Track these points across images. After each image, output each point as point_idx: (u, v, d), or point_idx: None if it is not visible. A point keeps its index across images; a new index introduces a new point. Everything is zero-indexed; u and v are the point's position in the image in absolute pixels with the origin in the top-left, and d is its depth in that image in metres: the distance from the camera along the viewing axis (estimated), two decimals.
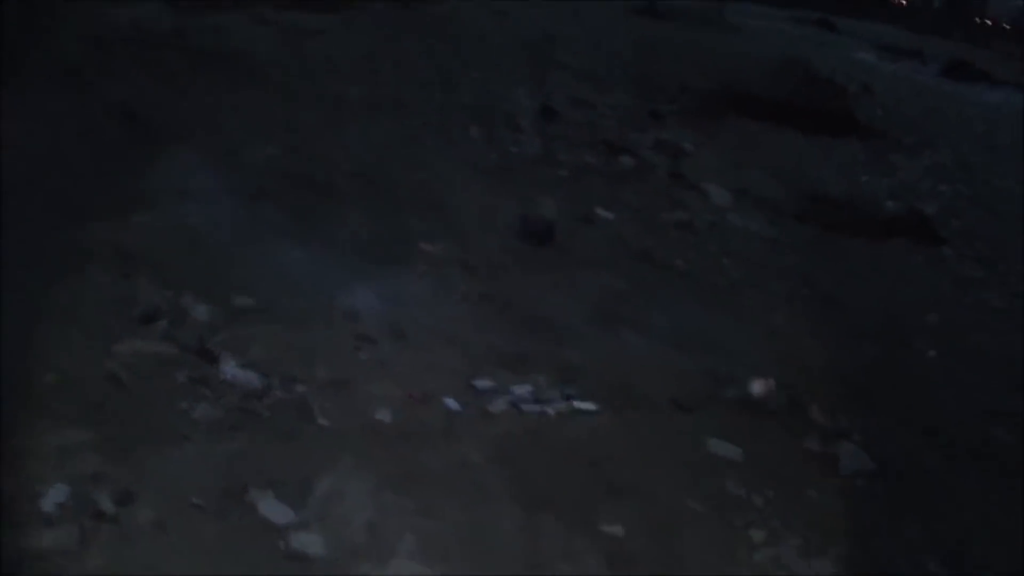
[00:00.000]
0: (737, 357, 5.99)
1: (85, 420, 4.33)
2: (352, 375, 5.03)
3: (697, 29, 17.40)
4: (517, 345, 5.64)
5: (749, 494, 4.67)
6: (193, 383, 4.72)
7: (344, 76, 10.48)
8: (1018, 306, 7.86)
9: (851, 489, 4.94)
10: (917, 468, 5.30)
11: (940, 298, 7.74)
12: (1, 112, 6.76)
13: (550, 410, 5.02)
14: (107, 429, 4.30)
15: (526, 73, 12.18)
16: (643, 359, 5.79)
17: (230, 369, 4.86)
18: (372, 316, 5.66)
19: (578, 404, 5.11)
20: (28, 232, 5.60)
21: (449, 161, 8.50)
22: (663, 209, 8.40)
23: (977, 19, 32.70)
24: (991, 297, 7.98)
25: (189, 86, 9.14)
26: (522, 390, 5.14)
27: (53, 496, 3.87)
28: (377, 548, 3.94)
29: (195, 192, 6.80)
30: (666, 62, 14.36)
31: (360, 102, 9.76)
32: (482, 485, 4.41)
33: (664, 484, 4.64)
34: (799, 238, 8.43)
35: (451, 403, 4.94)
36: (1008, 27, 31.40)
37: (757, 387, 5.55)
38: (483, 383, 5.14)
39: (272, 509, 4.00)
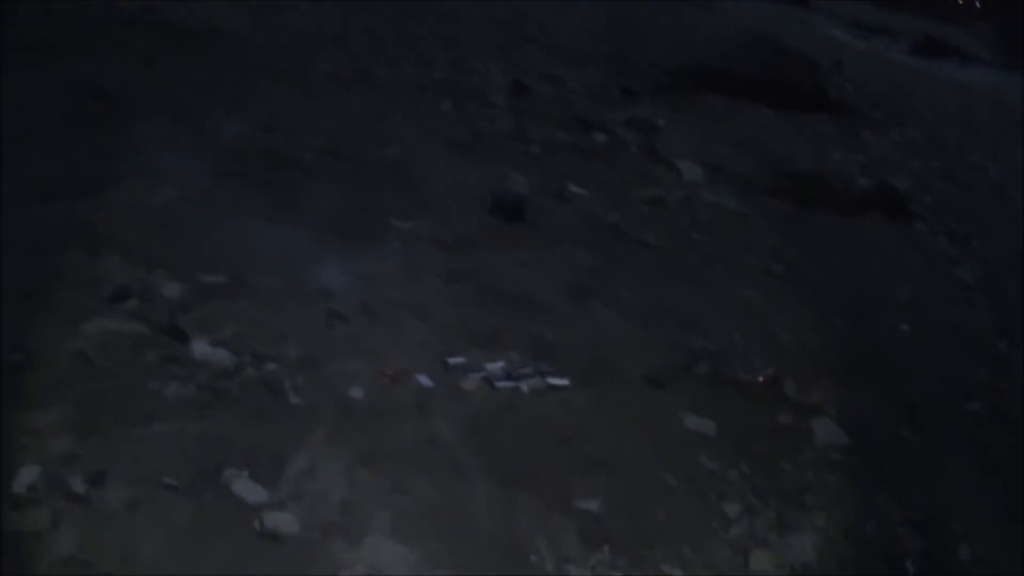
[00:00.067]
0: (710, 332, 5.99)
1: (55, 400, 4.29)
2: (324, 353, 5.00)
3: (670, 5, 17.35)
4: (490, 321, 5.62)
5: (724, 469, 4.70)
6: (164, 362, 4.68)
7: (315, 52, 10.41)
8: (989, 280, 7.90)
9: (825, 463, 4.97)
10: (891, 441, 5.34)
11: (912, 273, 7.78)
12: None
13: (523, 386, 5.01)
14: (78, 409, 4.26)
15: (498, 49, 12.14)
16: (616, 335, 5.79)
17: (201, 348, 4.82)
18: (344, 293, 5.62)
19: (551, 380, 5.11)
20: None
21: (420, 137, 8.45)
22: (635, 185, 8.38)
23: None
24: (962, 272, 8.02)
25: (159, 63, 9.06)
26: (495, 366, 5.13)
27: (24, 477, 3.84)
28: (351, 526, 3.93)
29: (165, 169, 6.74)
30: (638, 39, 14.33)
31: (331, 78, 9.71)
32: (456, 462, 4.40)
33: (638, 459, 4.66)
34: (771, 214, 8.44)
35: (424, 380, 4.92)
36: (979, 4, 31.51)
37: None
38: (456, 360, 5.13)
39: (245, 488, 3.99)
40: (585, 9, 15.78)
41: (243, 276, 5.57)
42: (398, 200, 7.04)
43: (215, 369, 4.70)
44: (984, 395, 6.09)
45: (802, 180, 9.39)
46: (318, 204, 6.70)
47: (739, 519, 4.37)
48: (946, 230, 8.90)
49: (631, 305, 6.16)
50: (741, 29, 15.18)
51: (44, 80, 8.10)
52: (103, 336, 4.80)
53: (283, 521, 3.87)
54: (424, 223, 6.76)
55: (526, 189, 7.61)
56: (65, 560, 3.58)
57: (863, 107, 12.98)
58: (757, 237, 7.80)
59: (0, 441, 3.98)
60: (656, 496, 4.42)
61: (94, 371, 4.54)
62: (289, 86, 9.15)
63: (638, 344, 5.71)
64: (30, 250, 5.43)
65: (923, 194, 9.80)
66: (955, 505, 4.90)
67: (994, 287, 7.83)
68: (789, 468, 4.83)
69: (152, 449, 4.12)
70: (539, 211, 7.29)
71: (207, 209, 6.30)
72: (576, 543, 4.10)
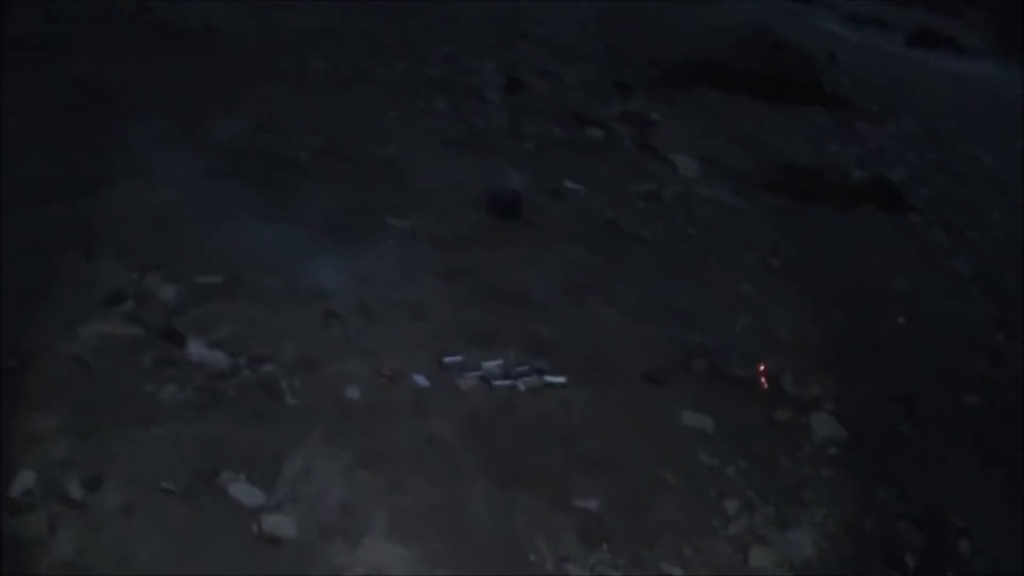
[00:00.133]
0: (707, 328, 5.98)
1: (51, 405, 4.29)
2: (320, 353, 4.99)
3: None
4: (486, 320, 5.61)
5: (722, 465, 4.69)
6: (160, 365, 4.67)
7: (311, 50, 10.38)
8: (985, 273, 7.89)
9: (823, 458, 4.96)
10: (889, 435, 5.33)
11: (909, 266, 7.77)
12: None
13: (521, 385, 5.01)
14: (74, 413, 4.26)
15: (492, 45, 12.11)
16: (613, 331, 5.78)
17: (197, 350, 4.81)
18: (340, 293, 5.61)
19: (549, 378, 5.10)
20: None
21: (416, 135, 8.43)
22: (631, 181, 8.36)
23: None
24: (959, 264, 8.01)
25: (156, 62, 9.04)
26: (492, 365, 5.12)
27: (21, 483, 3.84)
28: (349, 528, 3.93)
29: (161, 170, 6.73)
30: (633, 33, 14.29)
31: (327, 76, 9.68)
32: (454, 461, 4.40)
33: (637, 457, 4.65)
34: (767, 207, 8.42)
35: (421, 379, 4.91)
36: None
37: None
38: (452, 359, 5.11)
39: (242, 491, 3.98)
40: (580, 4, 15.73)
41: (239, 276, 5.56)
42: (394, 198, 7.03)
43: (211, 371, 4.69)
44: (982, 387, 6.08)
45: (798, 174, 9.37)
46: (314, 203, 6.69)
47: (738, 516, 4.36)
48: (942, 222, 8.89)
49: (628, 301, 6.15)
50: (736, 22, 15.14)
51: (41, 80, 8.08)
52: (99, 339, 4.80)
53: (281, 524, 3.87)
54: (420, 221, 6.74)
55: (522, 186, 7.58)
56: (63, 565, 3.58)
57: (859, 100, 12.95)
58: (753, 231, 7.78)
59: None
60: (655, 494, 4.42)
61: (90, 374, 4.54)
62: (285, 85, 9.13)
63: (635, 340, 5.70)
64: (26, 252, 5.42)
65: (919, 186, 9.78)
66: (954, 499, 4.90)
67: (990, 279, 7.82)
68: (788, 464, 4.82)
69: (149, 452, 4.11)
70: (535, 208, 7.27)
71: (203, 209, 6.29)
72: (575, 542, 4.10)
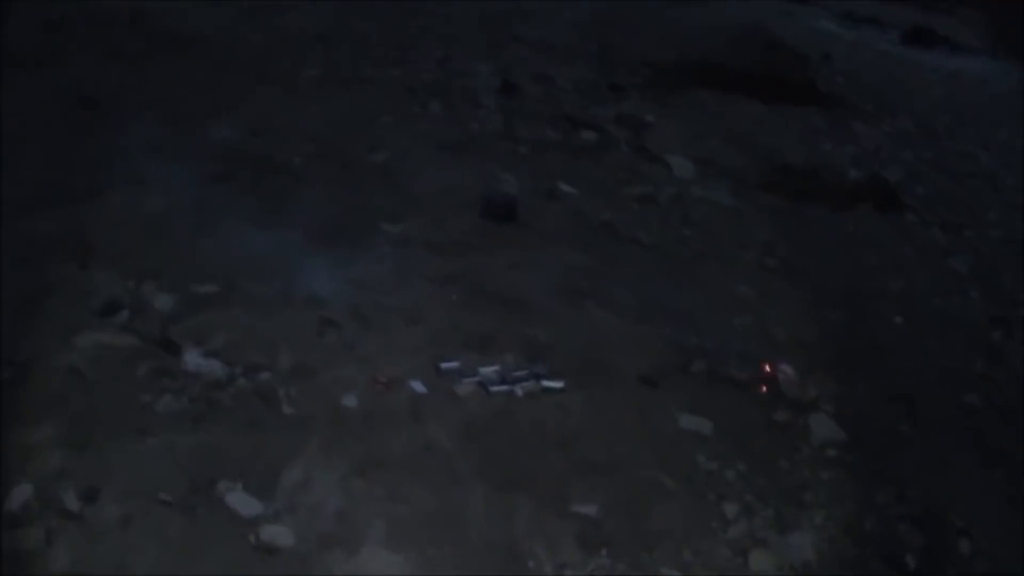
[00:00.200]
0: (704, 330, 5.97)
1: (47, 416, 4.29)
2: (317, 361, 4.98)
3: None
4: (483, 324, 5.60)
5: (721, 468, 4.68)
6: (156, 374, 4.67)
7: (304, 54, 10.38)
8: (982, 271, 7.88)
9: (823, 459, 4.95)
10: (888, 435, 5.32)
11: (905, 265, 7.75)
12: None
13: (518, 390, 4.99)
14: (70, 425, 4.26)
15: (485, 48, 12.10)
16: (610, 334, 5.76)
17: (193, 359, 4.81)
18: (335, 299, 5.60)
19: (546, 383, 5.08)
20: None
21: (410, 139, 8.42)
22: (626, 183, 8.34)
23: None
24: (955, 262, 7.99)
25: (148, 68, 9.05)
26: (489, 370, 5.11)
27: (18, 496, 3.84)
28: (347, 537, 3.92)
29: (154, 177, 6.74)
30: (626, 33, 14.28)
31: (320, 80, 9.68)
32: (452, 468, 4.39)
33: (635, 461, 4.64)
34: (763, 208, 8.40)
35: (417, 386, 4.90)
36: None
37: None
38: (449, 364, 5.10)
39: (240, 501, 3.97)
40: (573, 6, 15.72)
41: (234, 284, 5.56)
42: (389, 203, 7.02)
43: (208, 380, 4.69)
44: (980, 386, 6.06)
45: (794, 174, 9.35)
46: (308, 209, 6.68)
47: (738, 519, 4.35)
48: (939, 221, 8.87)
49: (625, 304, 6.14)
50: (729, 23, 15.13)
51: (36, 87, 8.09)
52: (95, 350, 4.79)
53: (278, 534, 3.86)
54: (415, 226, 6.73)
55: (517, 189, 7.57)
56: None
57: (853, 99, 12.93)
58: (749, 232, 7.77)
59: None
60: (654, 498, 4.40)
61: (86, 385, 4.53)
62: (279, 90, 9.13)
63: (632, 343, 5.69)
64: (21, 262, 5.43)
65: (915, 185, 9.76)
66: (954, 499, 4.88)
67: (987, 277, 7.80)
68: (787, 466, 4.81)
69: (145, 463, 4.11)
70: (530, 211, 7.26)
71: (198, 216, 6.29)
72: (574, 547, 4.09)
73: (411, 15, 12.94)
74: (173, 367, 4.74)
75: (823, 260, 7.51)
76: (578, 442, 4.71)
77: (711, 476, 4.62)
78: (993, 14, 21.70)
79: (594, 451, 4.66)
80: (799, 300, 6.71)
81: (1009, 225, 9.04)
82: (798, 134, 10.84)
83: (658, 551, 4.14)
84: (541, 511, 4.21)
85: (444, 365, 5.10)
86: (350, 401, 4.70)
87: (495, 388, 4.97)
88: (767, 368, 5.60)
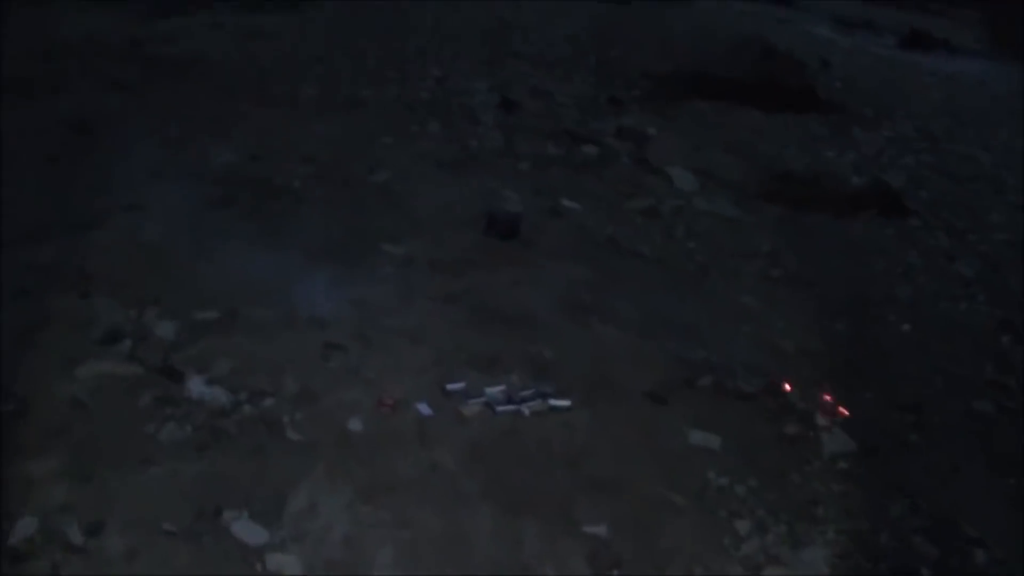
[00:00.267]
0: (710, 343, 5.93)
1: (50, 448, 4.25)
2: (321, 385, 4.95)
3: (653, 11, 17.33)
4: (488, 344, 5.57)
5: (732, 484, 4.62)
6: (159, 403, 4.64)
7: (301, 77, 10.41)
8: (988, 274, 7.84)
9: (834, 472, 4.89)
10: (899, 445, 5.26)
11: (911, 271, 7.70)
12: None
13: (525, 409, 4.95)
14: (73, 456, 4.23)
15: (483, 64, 12.11)
16: (616, 350, 5.73)
17: (197, 387, 4.77)
18: (338, 322, 5.58)
19: (553, 401, 5.04)
20: None
21: (410, 158, 8.42)
22: (628, 196, 8.33)
23: None
24: (961, 266, 7.95)
25: (145, 94, 9.08)
26: (495, 390, 5.07)
27: (21, 530, 3.80)
28: (355, 563, 3.88)
29: (152, 204, 6.74)
30: (624, 46, 14.30)
31: (318, 101, 9.70)
32: (459, 491, 4.34)
33: (645, 479, 4.59)
34: (766, 218, 8.38)
35: (423, 408, 4.86)
36: None
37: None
38: (455, 385, 5.07)
39: (246, 530, 3.93)
40: (569, 19, 15.75)
41: (236, 310, 5.54)
42: (390, 223, 7.01)
43: (211, 408, 4.65)
44: (990, 393, 6.00)
45: (795, 182, 9.33)
46: (309, 231, 6.68)
47: (750, 536, 4.30)
48: (943, 225, 8.82)
49: (630, 319, 6.10)
50: (725, 32, 15.17)
51: (33, 116, 8.12)
52: (97, 379, 4.77)
53: (285, 563, 3.81)
54: (417, 245, 6.71)
55: (519, 206, 7.56)
56: None
57: (853, 104, 12.92)
58: (753, 242, 7.74)
59: None
60: (664, 516, 4.35)
61: (89, 416, 4.51)
62: (277, 112, 9.15)
63: (638, 359, 5.65)
64: (20, 292, 5.40)
65: (918, 189, 9.72)
66: (967, 508, 4.82)
67: (994, 281, 7.75)
68: (798, 480, 4.76)
69: (149, 494, 4.07)
70: (533, 227, 7.24)
71: (198, 242, 6.29)
72: (584, 568, 4.04)
73: (408, 34, 12.98)
74: (176, 395, 4.71)
75: (828, 268, 7.47)
76: (586, 461, 4.66)
77: (722, 492, 4.56)
78: (990, 15, 21.70)
79: (602, 469, 4.61)
80: (805, 310, 6.67)
81: (1013, 227, 8.99)
82: (798, 142, 10.83)
83: (670, 570, 4.08)
84: (550, 532, 4.16)
85: (450, 386, 5.06)
86: (355, 425, 4.67)
87: (501, 408, 4.93)
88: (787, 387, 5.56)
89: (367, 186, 7.70)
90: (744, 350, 5.93)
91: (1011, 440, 5.52)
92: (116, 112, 8.55)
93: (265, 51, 11.24)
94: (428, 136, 9.15)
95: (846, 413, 5.39)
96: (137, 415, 4.53)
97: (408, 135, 9.04)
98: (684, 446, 4.90)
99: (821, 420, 5.29)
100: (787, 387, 5.54)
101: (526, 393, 5.08)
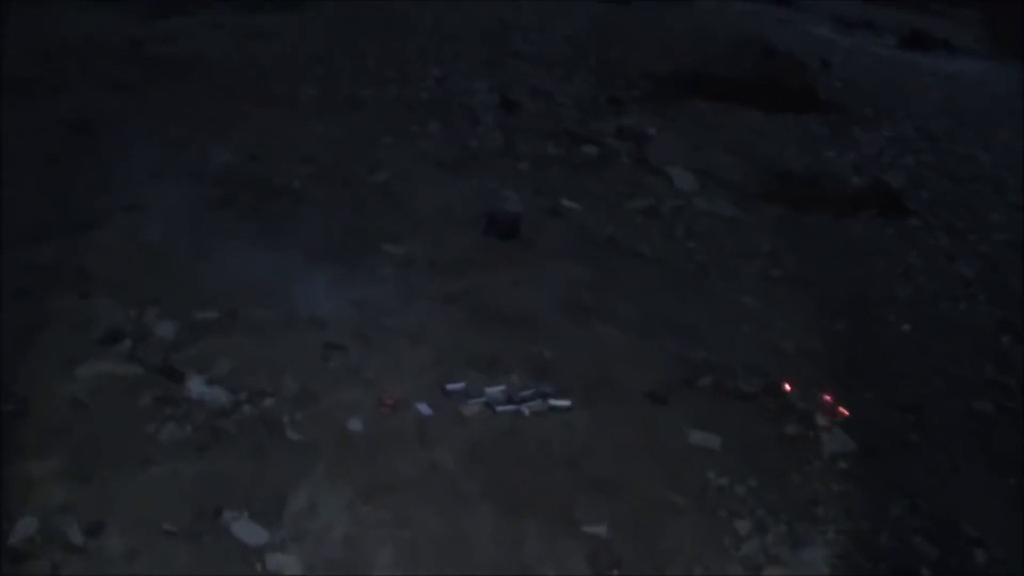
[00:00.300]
0: (710, 343, 5.93)
1: (50, 448, 4.25)
2: (321, 385, 4.94)
3: (653, 11, 17.33)
4: (488, 344, 5.57)
5: (732, 484, 4.62)
6: (159, 403, 4.64)
7: (301, 77, 10.41)
8: (988, 274, 7.84)
9: (834, 472, 4.89)
10: (899, 445, 5.26)
11: (911, 271, 7.70)
12: None
13: (525, 409, 4.95)
14: (73, 457, 4.23)
15: (483, 65, 12.11)
16: (616, 350, 5.73)
17: (197, 387, 4.77)
18: (338, 322, 5.58)
19: (553, 401, 5.04)
20: None
21: (410, 158, 8.42)
22: (628, 196, 8.33)
23: None
24: (961, 267, 7.94)
25: (145, 95, 9.07)
26: (495, 390, 5.07)
27: (21, 530, 3.80)
28: (355, 563, 3.87)
29: (153, 204, 6.73)
30: (624, 46, 14.29)
31: (318, 102, 9.69)
32: (459, 491, 4.34)
33: (645, 479, 4.59)
34: (766, 218, 8.38)
35: (423, 408, 4.86)
36: None
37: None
38: (455, 385, 5.07)
39: (246, 530, 3.93)
40: (569, 19, 15.75)
41: (236, 310, 5.54)
42: (390, 223, 7.01)
43: (211, 408, 4.65)
44: (990, 393, 6.00)
45: (796, 182, 9.33)
46: (309, 231, 6.67)
47: (750, 536, 4.29)
48: (943, 225, 8.82)
49: (630, 319, 6.10)
50: (725, 32, 15.16)
51: (31, 115, 8.10)
52: (97, 379, 4.77)
53: (285, 563, 3.81)
54: (417, 245, 6.71)
55: (519, 206, 7.56)
56: None
57: (853, 104, 12.91)
58: (753, 243, 7.74)
59: None
60: (664, 516, 4.35)
61: (89, 416, 4.50)
62: (277, 112, 9.15)
63: (639, 359, 5.65)
64: (19, 293, 5.40)
65: (918, 190, 9.72)
66: (967, 508, 4.81)
67: (994, 281, 7.74)
68: (798, 480, 4.75)
69: (150, 494, 4.07)
70: (533, 228, 7.24)
71: (198, 242, 6.28)
72: (584, 568, 4.03)
73: (408, 34, 12.97)
74: (176, 395, 4.71)
75: (828, 268, 7.47)
76: (586, 461, 4.66)
77: (722, 492, 4.56)
78: (990, 15, 21.70)
79: (602, 469, 4.61)
80: (805, 310, 6.67)
81: (1013, 227, 8.99)
82: (798, 142, 10.82)
83: (670, 570, 4.08)
84: (550, 532, 4.16)
85: (450, 386, 5.06)
86: (355, 425, 4.66)
87: (501, 408, 4.93)
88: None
89: (367, 186, 7.69)
90: (744, 350, 5.93)
91: (1011, 440, 5.52)
92: (116, 112, 8.54)
93: (265, 51, 11.24)
94: (428, 136, 9.15)
95: (846, 413, 5.39)
96: (137, 415, 4.53)
97: (408, 135, 9.05)
98: (684, 446, 4.90)
99: (821, 420, 5.28)
100: (787, 387, 5.54)
101: (526, 393, 5.08)
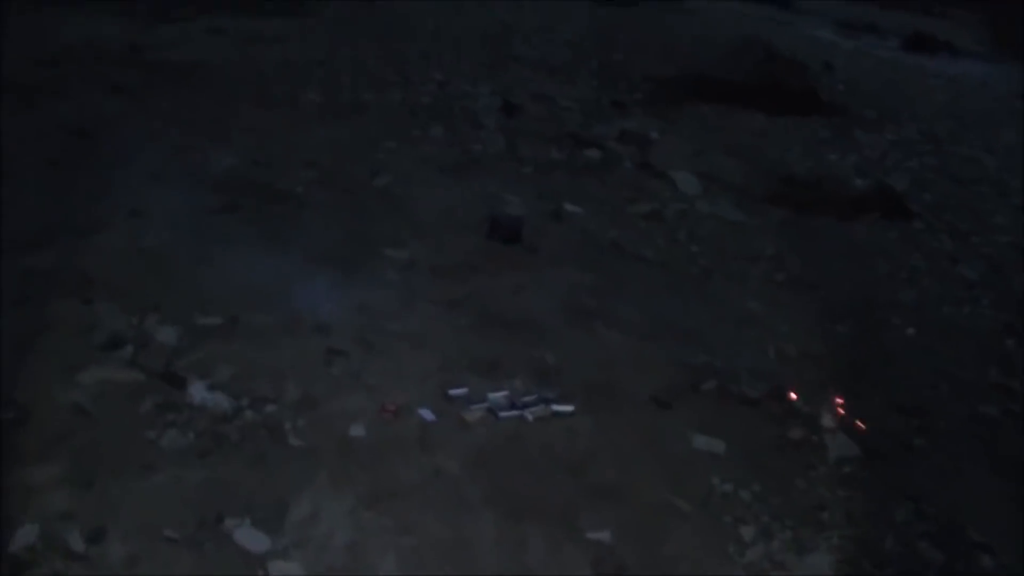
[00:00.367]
0: (714, 347, 5.91)
1: (51, 455, 4.22)
2: (323, 391, 4.92)
3: (655, 14, 17.33)
4: (490, 348, 5.55)
5: (736, 489, 4.60)
6: (161, 410, 4.61)
7: (303, 82, 10.40)
8: (992, 277, 7.82)
9: (838, 476, 4.86)
10: (904, 450, 5.23)
11: (915, 274, 7.68)
12: None
13: (528, 415, 4.93)
14: (74, 463, 4.20)
15: (485, 69, 12.11)
16: (619, 355, 5.71)
17: (198, 393, 4.75)
18: (341, 327, 5.56)
19: (556, 407, 5.02)
20: None
21: (412, 163, 8.41)
22: (631, 200, 8.32)
23: None
24: (965, 270, 7.92)
25: (146, 100, 9.06)
26: (498, 396, 5.04)
27: (21, 538, 3.77)
28: (357, 570, 3.85)
29: (154, 209, 6.71)
30: (626, 50, 14.30)
31: (320, 107, 9.69)
32: (462, 497, 4.32)
33: (649, 484, 4.56)
34: (769, 221, 8.37)
35: (426, 413, 4.84)
36: None
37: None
38: (458, 391, 5.04)
39: (248, 537, 3.90)
40: (570, 22, 15.76)
41: (239, 315, 5.52)
42: (393, 228, 7.00)
43: (214, 414, 4.62)
44: (994, 396, 5.98)
45: (799, 185, 9.32)
46: (312, 236, 6.66)
47: (755, 542, 4.27)
48: (947, 228, 8.81)
49: (633, 323, 6.09)
50: (727, 34, 15.17)
51: (34, 123, 8.10)
52: (99, 385, 4.74)
53: (287, 570, 3.78)
54: (419, 250, 6.70)
55: (521, 210, 7.55)
56: None
57: (855, 107, 12.91)
58: (757, 246, 7.72)
59: None
60: (668, 522, 4.33)
61: (90, 422, 4.47)
62: (279, 118, 9.14)
63: (642, 363, 5.63)
64: (21, 299, 5.38)
65: (921, 192, 9.72)
66: (972, 512, 4.79)
67: (998, 284, 7.73)
68: (803, 485, 4.73)
69: (151, 501, 4.04)
70: (536, 232, 7.23)
71: (199, 248, 6.26)
72: (588, 575, 4.01)
73: (410, 38, 12.97)
74: (178, 401, 4.68)
75: (831, 271, 7.46)
76: (589, 466, 4.64)
77: (726, 498, 4.54)
78: (992, 17, 21.69)
79: (606, 475, 4.59)
80: (809, 313, 6.66)
81: (1016, 229, 8.98)
82: (801, 145, 10.82)
83: None
84: (553, 538, 4.14)
85: (452, 391, 5.04)
86: (358, 431, 4.64)
87: (504, 414, 4.91)
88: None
89: (369, 190, 7.68)
90: (748, 354, 5.92)
91: (1016, 443, 5.50)
92: (117, 117, 8.54)
93: (266, 56, 11.24)
94: (430, 140, 9.15)
95: (862, 427, 5.36)
96: (138, 421, 4.50)
97: (410, 139, 9.04)
98: (688, 451, 4.87)
99: (826, 424, 5.26)
100: (791, 393, 5.52)
101: (529, 398, 5.06)
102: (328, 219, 6.99)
